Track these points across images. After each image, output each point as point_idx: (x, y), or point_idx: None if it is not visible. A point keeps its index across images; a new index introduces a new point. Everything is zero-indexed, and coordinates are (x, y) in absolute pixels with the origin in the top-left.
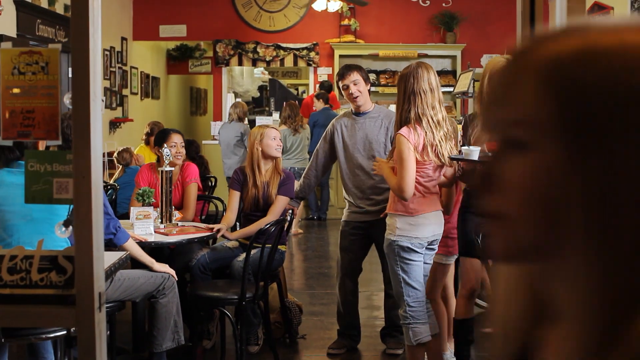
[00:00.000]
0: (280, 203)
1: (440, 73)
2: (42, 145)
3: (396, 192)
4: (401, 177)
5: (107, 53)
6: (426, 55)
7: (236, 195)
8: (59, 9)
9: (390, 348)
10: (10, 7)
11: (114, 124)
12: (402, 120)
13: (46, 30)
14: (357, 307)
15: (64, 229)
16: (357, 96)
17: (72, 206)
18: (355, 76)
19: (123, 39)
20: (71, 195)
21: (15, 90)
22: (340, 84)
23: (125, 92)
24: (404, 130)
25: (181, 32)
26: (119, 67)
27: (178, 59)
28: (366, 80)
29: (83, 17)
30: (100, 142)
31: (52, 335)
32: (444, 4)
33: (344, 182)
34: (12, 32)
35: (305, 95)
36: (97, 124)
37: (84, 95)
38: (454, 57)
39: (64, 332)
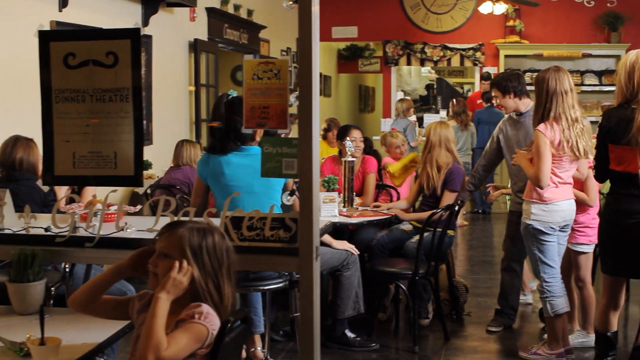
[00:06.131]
0: (448, 198)
1: (604, 72)
2: (259, 135)
3: (533, 181)
4: (538, 168)
5: (284, 53)
6: (590, 55)
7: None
8: (243, 14)
9: None
10: (202, 14)
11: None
12: (542, 117)
13: (232, 34)
14: (519, 290)
15: (289, 197)
16: (502, 108)
17: (285, 181)
18: (494, 92)
19: (298, 40)
20: (296, 171)
21: (255, 92)
22: None
23: None
24: (541, 127)
25: (352, 33)
26: (294, 67)
27: (348, 59)
28: (506, 91)
29: (308, 36)
30: (317, 131)
31: (265, 288)
32: (608, 4)
33: (510, 177)
34: (204, 35)
35: (470, 94)
36: (316, 116)
37: (309, 94)
38: (618, 57)
39: (277, 285)
